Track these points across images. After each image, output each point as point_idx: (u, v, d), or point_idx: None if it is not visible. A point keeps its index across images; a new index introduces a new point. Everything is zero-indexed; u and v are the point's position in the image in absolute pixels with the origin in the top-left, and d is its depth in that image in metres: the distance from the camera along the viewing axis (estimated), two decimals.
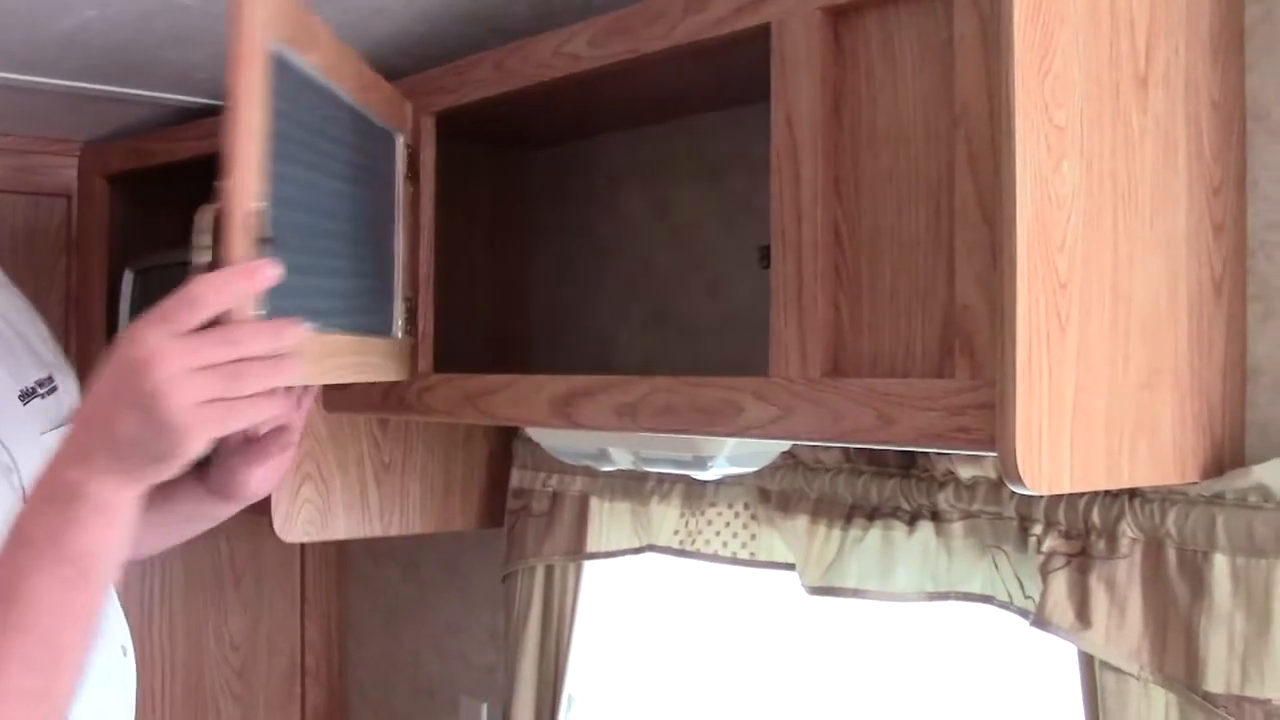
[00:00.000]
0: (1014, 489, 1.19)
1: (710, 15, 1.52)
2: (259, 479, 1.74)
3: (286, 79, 1.44)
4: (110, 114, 2.55)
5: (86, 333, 2.74)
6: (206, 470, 1.76)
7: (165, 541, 1.88)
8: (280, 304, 1.34)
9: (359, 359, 1.74)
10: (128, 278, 2.68)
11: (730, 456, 1.75)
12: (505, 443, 2.45)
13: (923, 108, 1.34)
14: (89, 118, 2.59)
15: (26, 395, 1.62)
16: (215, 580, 3.03)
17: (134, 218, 2.81)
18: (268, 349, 1.24)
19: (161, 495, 1.60)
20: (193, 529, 1.89)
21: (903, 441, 1.32)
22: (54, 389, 1.67)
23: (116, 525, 1.24)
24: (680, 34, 1.56)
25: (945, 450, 1.55)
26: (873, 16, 1.38)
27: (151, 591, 2.94)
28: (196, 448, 1.22)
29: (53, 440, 1.46)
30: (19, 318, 1.70)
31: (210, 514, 1.85)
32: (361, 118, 1.79)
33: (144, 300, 2.65)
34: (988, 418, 1.22)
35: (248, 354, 1.23)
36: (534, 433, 2.07)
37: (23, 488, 1.50)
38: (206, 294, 1.26)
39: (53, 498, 1.24)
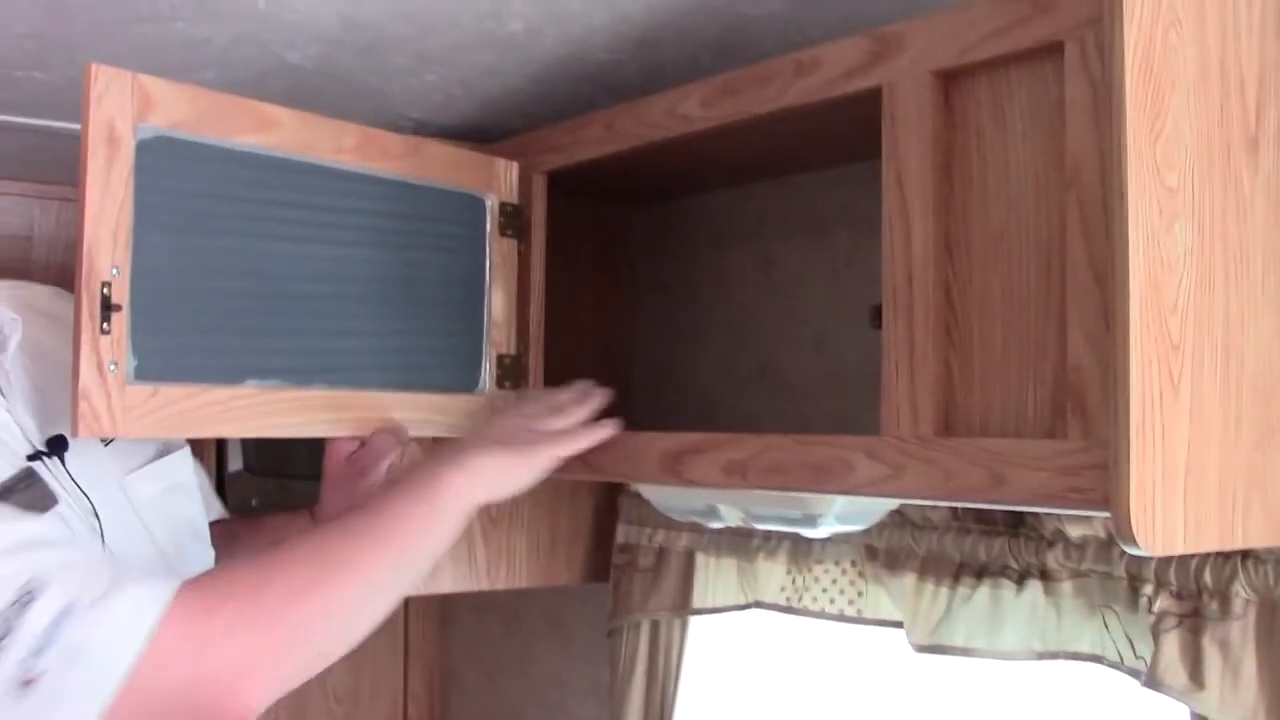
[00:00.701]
0: (1128, 550, 1.19)
1: (821, 77, 1.54)
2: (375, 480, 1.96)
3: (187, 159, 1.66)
4: None
5: None
6: (317, 510, 2.02)
7: None
8: (294, 363, 1.72)
9: (434, 416, 1.91)
10: None
11: (839, 514, 1.75)
12: (611, 498, 2.47)
13: (1033, 169, 1.35)
14: None
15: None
16: None
17: None
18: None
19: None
20: None
21: (1015, 501, 1.32)
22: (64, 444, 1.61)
23: (464, 518, 1.64)
24: (791, 96, 1.58)
25: (1057, 510, 1.55)
26: (983, 79, 1.39)
27: None
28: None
29: (137, 480, 1.66)
30: (58, 365, 1.63)
31: None
32: (406, 186, 1.91)
33: None
34: (1101, 478, 1.22)
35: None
36: (643, 489, 2.08)
37: (101, 531, 1.55)
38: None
39: (425, 483, 1.61)
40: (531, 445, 1.73)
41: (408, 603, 3.10)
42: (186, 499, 1.78)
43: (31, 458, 1.50)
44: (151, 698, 1.30)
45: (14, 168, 2.52)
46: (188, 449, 1.81)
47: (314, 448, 2.55)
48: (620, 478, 1.80)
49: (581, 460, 1.85)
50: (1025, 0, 1.32)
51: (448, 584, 2.31)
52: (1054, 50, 1.30)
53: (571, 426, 1.78)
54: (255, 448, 2.71)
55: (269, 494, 2.57)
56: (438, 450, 1.72)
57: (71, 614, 1.28)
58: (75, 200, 2.47)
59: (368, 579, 1.49)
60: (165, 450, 1.76)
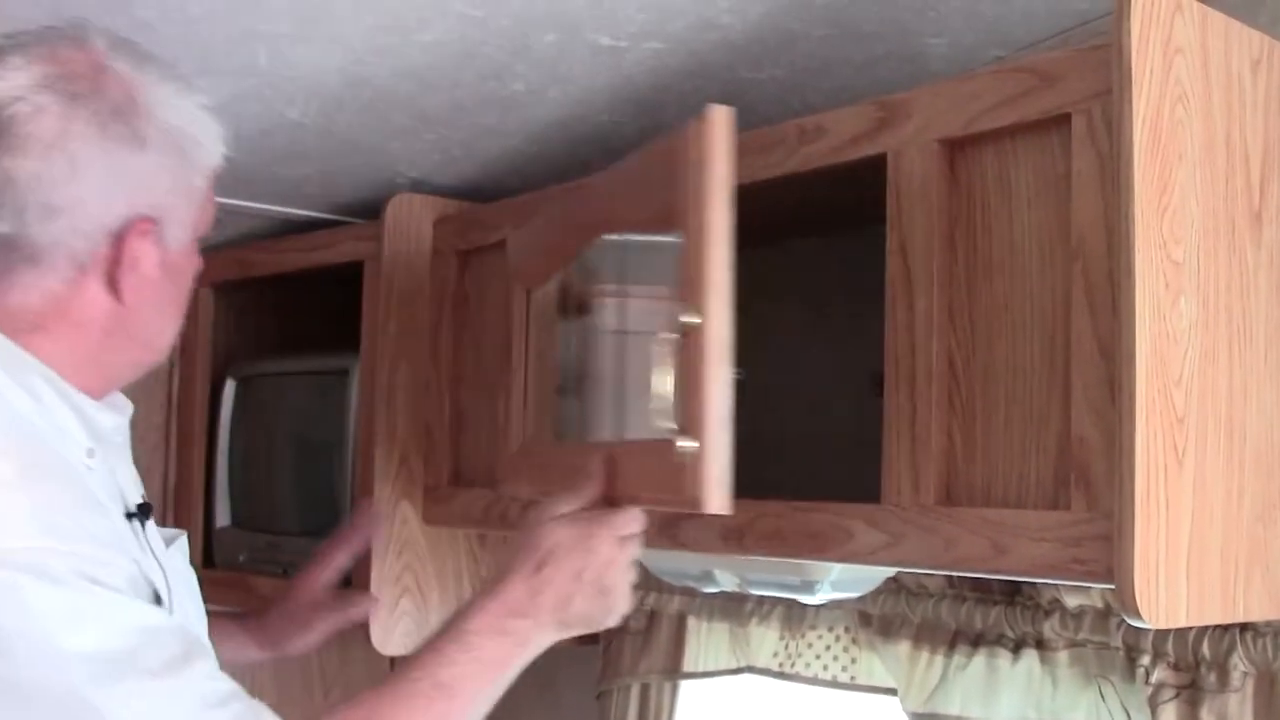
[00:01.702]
0: (1131, 622, 1.19)
1: (825, 144, 1.54)
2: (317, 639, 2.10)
3: None
4: (217, 224, 2.57)
5: (187, 439, 2.77)
6: (251, 623, 2.07)
7: None
8: None
9: None
10: (229, 386, 2.72)
11: (836, 581, 1.75)
12: None
13: (1038, 240, 1.35)
14: None
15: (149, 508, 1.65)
16: (305, 692, 3.02)
17: (237, 326, 2.85)
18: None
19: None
20: None
21: (1017, 572, 1.32)
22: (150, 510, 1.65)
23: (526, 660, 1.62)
24: (794, 162, 1.58)
25: (1060, 582, 1.54)
26: (989, 149, 1.39)
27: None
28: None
29: (174, 552, 1.64)
30: (128, 444, 1.69)
31: (241, 659, 2.04)
32: None
33: (245, 408, 2.69)
34: (1104, 550, 1.22)
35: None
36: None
37: (170, 599, 1.53)
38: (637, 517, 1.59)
39: (504, 632, 1.58)
40: (606, 599, 1.61)
41: (393, 663, 3.08)
42: (194, 576, 1.75)
43: (129, 516, 1.52)
44: None
45: None
46: (185, 534, 1.78)
47: (302, 502, 2.56)
48: None
49: None
50: (1032, 72, 1.33)
51: None
52: (1061, 122, 1.31)
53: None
54: (242, 502, 2.70)
55: (257, 550, 2.55)
56: (510, 606, 1.59)
57: None
58: None
59: None
60: (175, 535, 1.74)
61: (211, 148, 1.54)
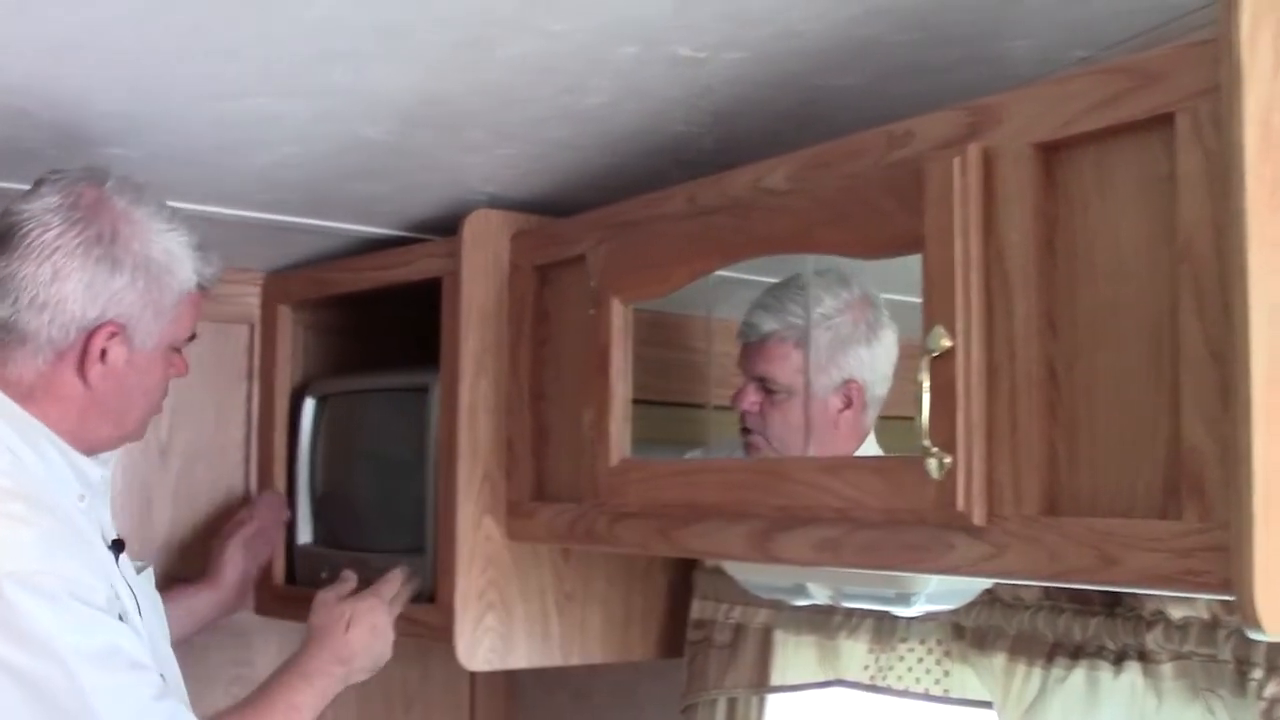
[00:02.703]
0: (1252, 635, 1.15)
1: (913, 149, 1.52)
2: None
3: None
4: (294, 244, 2.60)
5: (267, 458, 2.77)
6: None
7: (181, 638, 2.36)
8: None
9: None
10: (309, 404, 2.72)
11: (932, 593, 1.72)
12: (686, 573, 2.44)
13: (1141, 242, 1.31)
14: (273, 248, 2.65)
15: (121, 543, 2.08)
16: (385, 706, 3.02)
17: (315, 344, 2.86)
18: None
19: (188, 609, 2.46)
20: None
21: (1127, 583, 1.29)
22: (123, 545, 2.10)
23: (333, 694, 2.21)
24: (881, 169, 1.56)
25: (1172, 594, 1.51)
26: (1088, 151, 1.36)
27: (323, 716, 2.93)
28: None
29: (144, 580, 2.11)
30: (108, 492, 2.13)
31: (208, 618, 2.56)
32: None
33: (325, 426, 2.69)
34: (1219, 560, 1.19)
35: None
36: (729, 566, 2.06)
37: (141, 616, 1.99)
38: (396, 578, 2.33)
39: (330, 673, 2.19)
40: (386, 650, 2.29)
41: (474, 679, 3.08)
42: (158, 600, 2.20)
43: (108, 548, 1.98)
44: None
45: None
46: (151, 566, 2.22)
47: (383, 520, 2.55)
48: (705, 555, 1.78)
49: (664, 537, 1.84)
50: (1131, 70, 1.29)
51: (522, 659, 2.30)
52: (1163, 121, 1.27)
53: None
54: (323, 520, 2.69)
55: (339, 567, 2.54)
56: (335, 654, 2.22)
57: None
58: None
59: None
60: (144, 566, 2.19)
61: (183, 276, 1.98)
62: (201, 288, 2.04)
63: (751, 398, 1.83)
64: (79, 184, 1.91)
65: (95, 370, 1.91)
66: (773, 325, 1.80)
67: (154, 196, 1.97)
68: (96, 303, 1.89)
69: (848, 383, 1.75)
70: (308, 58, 1.64)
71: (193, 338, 2.10)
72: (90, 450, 1.99)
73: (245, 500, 2.77)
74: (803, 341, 1.75)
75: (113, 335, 1.91)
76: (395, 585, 2.30)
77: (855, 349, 1.73)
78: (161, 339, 1.99)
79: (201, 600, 2.53)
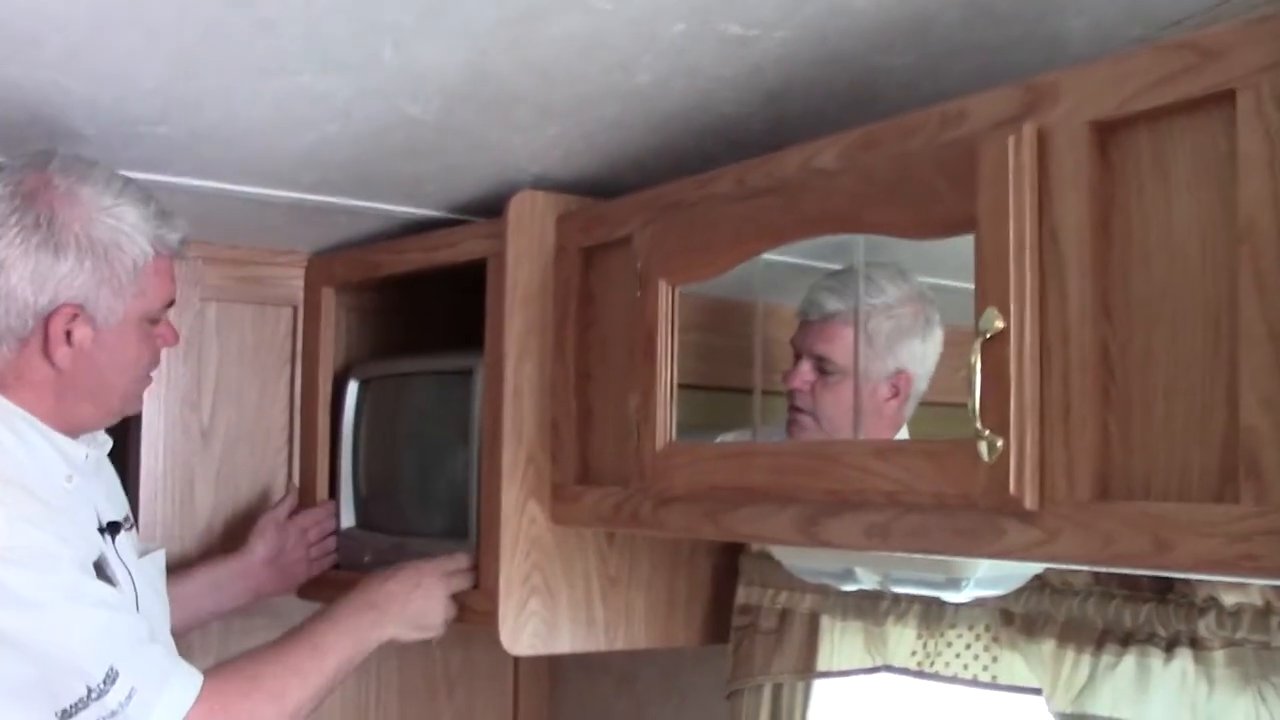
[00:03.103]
0: None
1: (968, 128, 1.50)
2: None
3: None
4: (337, 225, 2.59)
5: (310, 440, 2.77)
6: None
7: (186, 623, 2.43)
8: None
9: None
10: (352, 387, 2.71)
11: (981, 579, 1.70)
12: (731, 558, 2.43)
13: (1199, 223, 1.29)
14: (316, 229, 2.64)
15: (125, 525, 2.15)
16: (428, 689, 3.02)
17: (358, 327, 2.86)
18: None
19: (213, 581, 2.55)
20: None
21: (1181, 568, 1.27)
22: (133, 526, 2.22)
23: (369, 650, 2.23)
24: (934, 149, 1.54)
25: (1228, 579, 1.49)
26: (1144, 131, 1.34)
27: (367, 699, 2.95)
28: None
29: (145, 563, 2.17)
30: (112, 474, 2.24)
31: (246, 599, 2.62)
32: None
33: (368, 409, 2.68)
34: (1277, 545, 1.17)
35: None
36: (775, 550, 2.04)
37: (137, 599, 2.06)
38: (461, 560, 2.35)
39: (360, 617, 2.22)
40: (432, 618, 2.30)
41: (517, 663, 3.08)
42: (164, 585, 2.26)
43: (100, 530, 2.03)
44: None
45: None
46: (163, 550, 2.32)
47: (427, 504, 2.55)
48: (752, 539, 1.77)
49: (710, 521, 1.82)
50: (1191, 47, 1.27)
51: (566, 644, 2.29)
52: (1223, 99, 1.24)
53: (450, 602, 2.32)
54: (367, 504, 2.69)
55: (382, 551, 2.55)
56: (368, 598, 2.26)
57: (135, 695, 1.85)
58: (188, 257, 2.53)
59: (302, 705, 2.07)
60: (152, 546, 2.33)
61: (136, 249, 1.99)
62: (165, 255, 2.05)
63: (806, 376, 1.82)
64: (23, 171, 1.94)
65: (61, 353, 1.95)
66: (837, 305, 1.79)
67: (103, 172, 1.98)
68: (45, 289, 1.92)
69: (899, 373, 1.74)
70: (351, 33, 1.63)
71: (170, 304, 2.12)
72: (75, 430, 2.04)
73: (287, 484, 2.78)
74: (865, 325, 1.73)
75: (73, 317, 1.95)
76: (459, 563, 2.33)
77: (911, 341, 1.73)
78: (128, 314, 2.01)
79: (224, 571, 2.57)
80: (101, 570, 1.96)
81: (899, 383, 1.74)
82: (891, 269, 1.75)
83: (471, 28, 1.61)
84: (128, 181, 2.01)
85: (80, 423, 2.05)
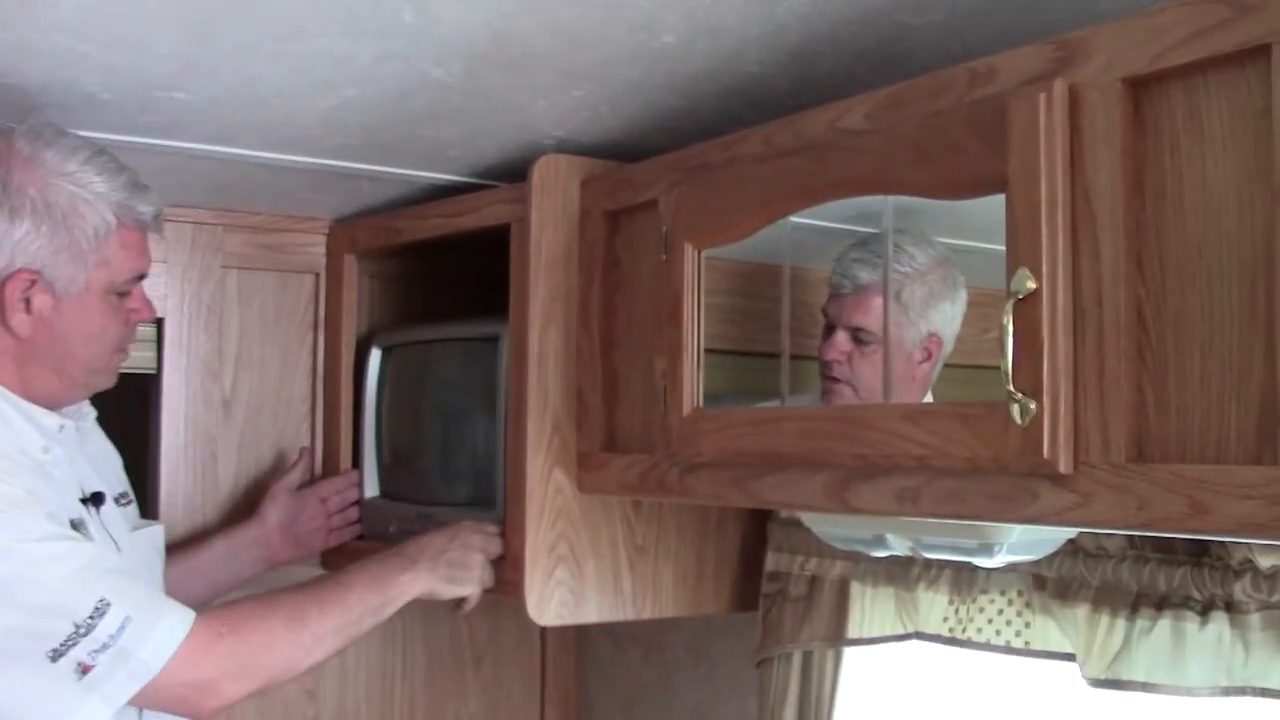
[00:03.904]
0: None
1: (997, 87, 1.47)
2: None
3: None
4: (359, 191, 2.58)
5: (333, 409, 2.76)
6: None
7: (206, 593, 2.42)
8: None
9: None
10: (375, 354, 2.70)
11: (1015, 544, 1.69)
12: (760, 525, 2.41)
13: (1235, 180, 1.27)
14: (338, 195, 2.63)
15: (118, 501, 2.16)
16: (455, 661, 3.01)
17: (381, 294, 2.85)
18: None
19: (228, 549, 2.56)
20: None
21: (1219, 531, 1.25)
22: (130, 501, 2.24)
23: (400, 601, 2.17)
24: (964, 107, 1.51)
25: (1268, 541, 1.47)
26: (1177, 87, 1.31)
27: (393, 670, 2.94)
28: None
29: (138, 538, 2.17)
30: (106, 449, 2.25)
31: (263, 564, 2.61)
32: None
33: (391, 378, 2.67)
34: None
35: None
36: (806, 517, 2.03)
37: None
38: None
39: (387, 562, 2.18)
40: (466, 572, 2.23)
41: (544, 633, 3.07)
42: (159, 561, 2.27)
43: (82, 501, 2.02)
44: (162, 690, 1.87)
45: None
46: (162, 525, 2.35)
47: (452, 473, 2.53)
48: (782, 506, 1.75)
49: (738, 487, 1.81)
50: (1225, 2, 1.24)
51: (593, 614, 2.27)
52: (1259, 54, 1.22)
53: (485, 563, 2.25)
54: (391, 473, 2.68)
55: (407, 521, 2.54)
56: (400, 550, 2.23)
57: (128, 625, 1.83)
58: (209, 224, 2.50)
59: (321, 637, 2.04)
60: (149, 523, 2.31)
61: (98, 218, 1.97)
62: (133, 226, 2.03)
63: (843, 347, 1.80)
64: None
65: (19, 319, 1.95)
66: (870, 276, 1.78)
67: (72, 140, 1.97)
68: (1, 253, 1.92)
69: (931, 336, 1.73)
70: None
71: (140, 278, 2.09)
72: (43, 401, 2.02)
73: (300, 450, 2.77)
74: (899, 293, 1.72)
75: (31, 284, 1.94)
76: (495, 528, 2.29)
77: (942, 304, 1.72)
78: (90, 284, 1.99)
79: (239, 540, 2.57)
80: (78, 529, 1.94)
81: (931, 346, 1.73)
82: (915, 234, 1.73)
83: None
84: (99, 151, 2.00)
85: (45, 393, 2.02)
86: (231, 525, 2.61)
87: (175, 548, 2.47)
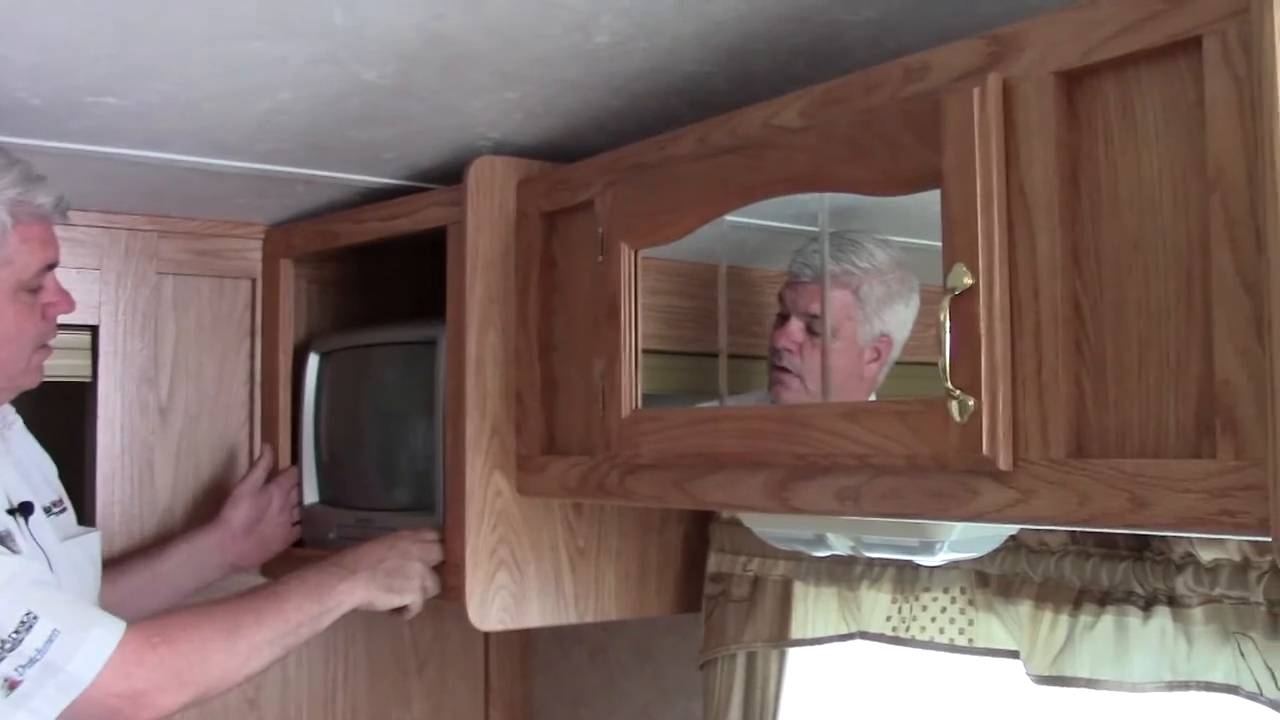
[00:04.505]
0: None
1: (931, 82, 1.47)
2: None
3: None
4: (295, 196, 2.55)
5: (271, 416, 2.74)
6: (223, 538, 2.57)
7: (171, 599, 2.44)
8: None
9: None
10: (313, 360, 2.68)
11: (957, 541, 1.68)
12: (702, 525, 2.40)
13: (1169, 173, 1.26)
14: (274, 200, 2.60)
15: (49, 510, 2.15)
16: (398, 666, 2.99)
17: (320, 299, 2.83)
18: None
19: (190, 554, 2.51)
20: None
21: (1159, 526, 1.25)
22: (64, 510, 2.22)
23: (339, 611, 2.14)
24: (899, 103, 1.50)
25: (1206, 535, 1.46)
26: (1110, 79, 1.31)
27: (335, 676, 2.92)
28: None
29: (71, 546, 2.13)
30: (36, 457, 2.23)
31: (218, 570, 2.57)
32: None
33: (330, 383, 2.64)
34: (1257, 500, 1.14)
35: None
36: (745, 517, 2.02)
37: (54, 573, 1.99)
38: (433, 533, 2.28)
39: (325, 572, 2.16)
40: (405, 580, 2.21)
41: (488, 636, 3.05)
42: (94, 571, 2.22)
43: (9, 511, 1.99)
44: (94, 703, 1.84)
45: (84, 197, 2.48)
46: (99, 531, 2.32)
47: (392, 478, 2.52)
48: (722, 507, 1.74)
49: (679, 488, 1.79)
50: None
51: (535, 618, 2.25)
52: (1190, 46, 1.22)
53: (426, 571, 2.24)
54: (330, 479, 2.66)
55: (347, 527, 2.52)
56: (338, 559, 2.21)
57: (56, 639, 1.81)
58: (144, 230, 2.48)
59: (257, 647, 2.02)
60: (85, 530, 2.27)
61: None
62: (31, 220, 2.01)
63: (795, 336, 1.79)
64: None
65: None
66: (831, 267, 1.77)
67: None
68: None
69: (883, 336, 1.73)
70: None
71: (50, 268, 2.07)
72: None
73: (262, 447, 2.74)
74: (858, 288, 1.72)
75: None
76: (434, 534, 2.27)
77: (897, 305, 1.71)
78: None
79: (203, 544, 2.55)
80: (4, 541, 1.92)
81: (881, 346, 1.73)
82: (877, 235, 1.73)
83: None
84: None
85: None
86: (193, 530, 2.58)
87: (137, 555, 2.49)
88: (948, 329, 1.38)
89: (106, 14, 1.63)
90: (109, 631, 1.87)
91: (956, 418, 1.38)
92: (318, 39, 1.71)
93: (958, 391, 1.38)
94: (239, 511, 2.58)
